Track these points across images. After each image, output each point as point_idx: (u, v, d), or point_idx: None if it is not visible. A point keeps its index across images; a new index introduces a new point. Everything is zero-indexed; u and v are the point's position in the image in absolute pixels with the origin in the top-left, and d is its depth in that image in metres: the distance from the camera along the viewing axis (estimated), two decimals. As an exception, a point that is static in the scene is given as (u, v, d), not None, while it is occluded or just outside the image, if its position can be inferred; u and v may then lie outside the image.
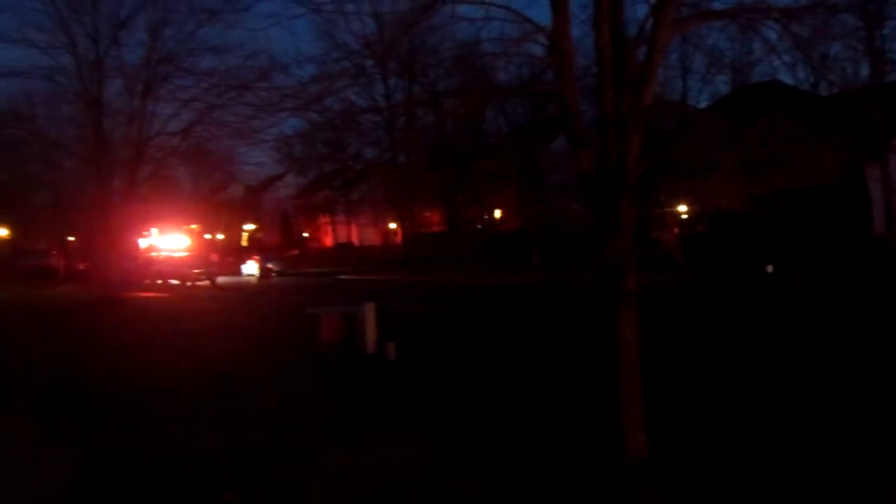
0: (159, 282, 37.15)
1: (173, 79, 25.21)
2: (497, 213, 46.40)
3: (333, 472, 5.94)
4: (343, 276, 39.52)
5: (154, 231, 44.73)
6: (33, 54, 25.06)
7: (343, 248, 61.65)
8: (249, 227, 70.46)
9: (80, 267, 47.47)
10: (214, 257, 51.22)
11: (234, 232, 68.37)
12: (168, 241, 44.32)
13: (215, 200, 58.95)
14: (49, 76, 24.99)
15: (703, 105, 37.33)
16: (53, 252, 51.87)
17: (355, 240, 64.83)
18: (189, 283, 37.43)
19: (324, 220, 64.60)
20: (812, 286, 19.46)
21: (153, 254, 43.28)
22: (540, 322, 15.26)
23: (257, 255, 49.52)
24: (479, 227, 47.05)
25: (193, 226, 55.25)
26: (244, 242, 68.62)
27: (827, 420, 6.61)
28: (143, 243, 44.73)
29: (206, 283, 38.28)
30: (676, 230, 32.94)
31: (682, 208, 35.24)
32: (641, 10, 5.63)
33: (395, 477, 5.77)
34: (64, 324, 18.52)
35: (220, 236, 66.11)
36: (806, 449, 5.78)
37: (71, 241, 51.59)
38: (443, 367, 10.46)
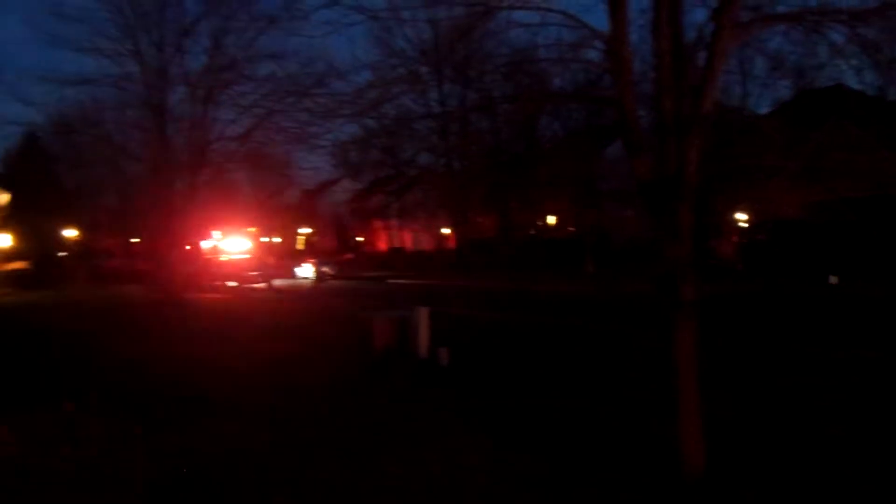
0: (218, 283, 37.95)
1: (234, 85, 25.77)
2: (550, 220, 46.04)
3: (386, 476, 5.97)
4: (396, 281, 39.77)
5: (217, 234, 45.75)
6: (103, 63, 25.86)
7: (396, 253, 62.04)
8: (305, 230, 71.47)
9: (143, 268, 48.86)
10: (271, 260, 52.10)
11: (291, 235, 69.44)
12: (230, 244, 45.23)
13: (272, 204, 60.00)
14: (117, 83, 25.82)
15: (764, 110, 36.35)
16: (117, 253, 53.54)
17: (408, 244, 65.19)
18: (246, 286, 38.13)
19: (378, 224, 65.16)
20: (878, 298, 18.76)
21: (213, 256, 44.22)
22: (594, 330, 15.08)
23: (313, 258, 50.16)
24: (532, 233, 46.75)
25: (251, 229, 56.28)
26: (300, 246, 69.61)
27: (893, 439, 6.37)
28: (206, 245, 45.80)
29: (263, 285, 38.94)
30: (735, 238, 32.17)
31: (742, 216, 34.41)
32: (701, 15, 5.53)
33: (447, 484, 5.77)
34: (128, 324, 19.08)
35: (277, 239, 67.24)
36: (872, 469, 5.58)
37: (134, 243, 53.17)
38: (495, 373, 10.43)
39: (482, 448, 6.64)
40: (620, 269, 30.65)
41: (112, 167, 39.58)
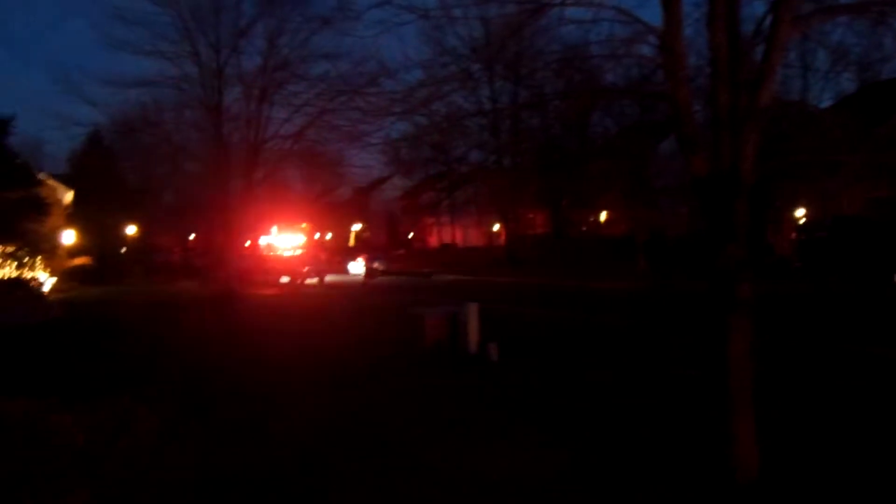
0: (271, 279, 38.62)
1: (287, 85, 26.27)
2: (602, 217, 45.57)
3: (438, 470, 6.00)
4: (446, 277, 39.87)
5: (273, 230, 46.55)
6: (163, 65, 26.66)
7: (446, 249, 62.24)
8: (357, 227, 72.21)
9: (198, 264, 50.12)
10: (323, 256, 52.80)
11: (343, 232, 70.24)
12: (285, 240, 45.96)
13: (325, 201, 60.76)
14: (176, 84, 26.55)
15: (825, 104, 35.27)
16: (174, 250, 54.99)
17: (459, 241, 65.31)
18: (299, 281, 38.70)
19: (428, 221, 65.42)
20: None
21: (268, 252, 45.02)
22: (645, 328, 14.88)
23: (364, 254, 50.65)
24: (583, 230, 46.35)
25: (303, 225, 57.06)
26: (351, 242, 70.35)
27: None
28: (262, 242, 46.66)
29: (315, 281, 39.48)
30: (794, 235, 31.32)
31: (801, 212, 33.49)
32: (759, 8, 5.40)
33: (498, 478, 5.78)
34: (184, 319, 19.56)
35: (329, 236, 68.10)
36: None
37: (191, 240, 54.53)
38: (544, 370, 10.39)
39: (529, 443, 6.63)
40: (674, 266, 30.14)
41: (171, 166, 40.68)
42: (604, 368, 10.42)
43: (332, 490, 5.68)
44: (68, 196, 41.03)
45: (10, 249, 23.10)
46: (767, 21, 4.97)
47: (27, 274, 23.71)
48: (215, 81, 26.05)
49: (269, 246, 46.66)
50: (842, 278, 23.04)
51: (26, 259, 23.70)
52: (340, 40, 24.96)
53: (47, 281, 25.99)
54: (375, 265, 46.44)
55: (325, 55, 25.33)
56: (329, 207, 61.77)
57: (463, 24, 31.24)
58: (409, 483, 5.77)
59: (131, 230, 44.13)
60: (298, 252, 44.13)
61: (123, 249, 44.27)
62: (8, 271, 23.11)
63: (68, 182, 41.38)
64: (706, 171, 5.08)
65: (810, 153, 6.06)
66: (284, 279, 39.06)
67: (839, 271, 24.17)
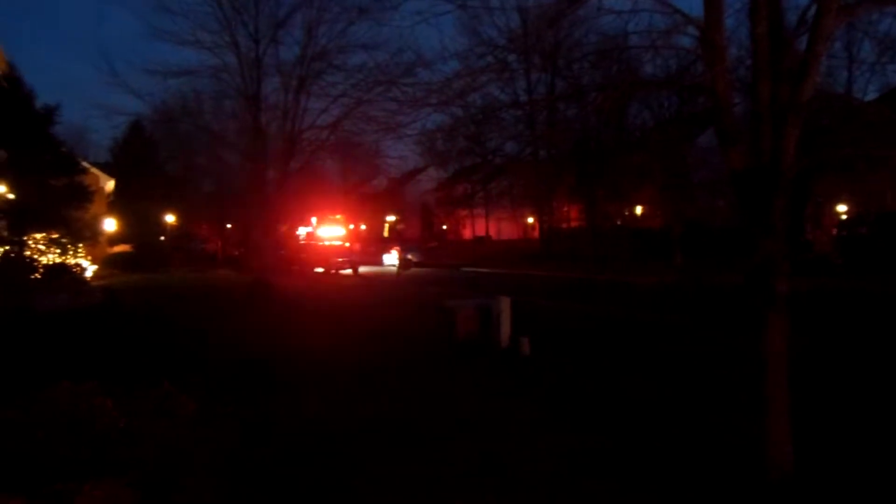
0: (306, 269, 39.01)
1: (325, 75, 26.40)
2: (638, 210, 45.12)
3: (466, 461, 6.03)
4: (479, 270, 39.86)
5: (313, 220, 47.05)
6: (203, 55, 27.10)
7: (480, 242, 62.20)
8: (391, 218, 72.53)
9: (235, 253, 50.85)
10: (357, 247, 53.17)
11: (377, 223, 70.61)
12: (324, 231, 46.38)
13: (360, 191, 61.14)
14: (215, 74, 26.87)
15: (871, 97, 34.39)
16: (211, 238, 55.81)
17: (493, 233, 65.22)
18: (333, 271, 39.03)
19: (462, 213, 65.38)
20: None
21: (306, 242, 45.52)
22: (678, 323, 14.72)
23: (398, 245, 50.88)
24: (619, 223, 45.94)
25: (338, 216, 57.47)
26: (385, 233, 70.72)
27: None
28: (301, 232, 47.20)
29: (349, 271, 39.79)
30: (834, 231, 30.67)
31: (842, 207, 32.77)
32: (803, -2, 5.28)
33: (527, 471, 5.78)
34: (220, 306, 19.90)
35: (363, 227, 68.50)
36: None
37: (228, 229, 55.28)
38: (576, 364, 10.35)
39: (559, 439, 6.62)
40: (710, 260, 29.75)
41: (210, 155, 41.27)
42: (636, 364, 10.35)
43: (356, 476, 5.75)
44: (110, 184, 41.84)
45: (54, 236, 23.64)
46: (812, 11, 4.87)
47: (70, 260, 24.25)
48: (254, 71, 26.30)
49: (308, 235, 47.15)
50: (884, 276, 22.49)
51: (69, 246, 24.24)
52: (377, 30, 25.01)
53: (89, 268, 26.57)
54: (409, 257, 46.62)
55: (362, 45, 25.43)
56: (364, 198, 62.16)
57: (500, 13, 31.09)
58: (431, 469, 5.81)
59: (170, 219, 44.85)
60: (334, 242, 44.50)
61: (162, 238, 45.01)
62: (52, 257, 23.67)
63: (110, 170, 42.19)
64: (745, 165, 5.00)
65: (853, 147, 5.92)
66: (319, 269, 39.42)
67: (881, 268, 23.61)
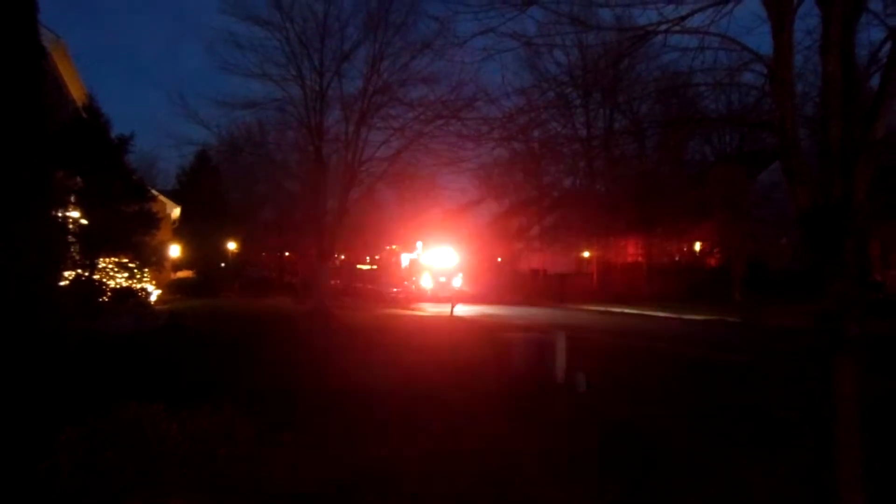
0: (360, 299, 39.42)
1: (386, 107, 26.89)
2: (697, 246, 44.28)
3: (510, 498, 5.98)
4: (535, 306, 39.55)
5: (419, 246, 47.39)
6: (269, 87, 27.81)
7: (536, 275, 61.74)
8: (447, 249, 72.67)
9: (291, 280, 51.78)
10: (410, 276, 53.44)
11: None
12: (436, 259, 46.42)
13: (416, 222, 61.61)
14: (280, 106, 27.63)
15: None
16: (269, 266, 56.98)
17: (548, 267, 64.70)
18: (388, 300, 39.32)
19: (517, 245, 65.10)
20: None
21: (413, 269, 45.88)
22: (740, 363, 14.34)
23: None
24: (677, 259, 45.16)
25: (393, 246, 57.95)
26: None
27: None
28: (405, 260, 47.53)
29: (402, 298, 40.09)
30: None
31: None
32: (876, 35, 5.21)
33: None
34: (278, 332, 20.22)
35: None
36: None
37: (285, 256, 56.33)
38: (632, 403, 10.16)
39: (613, 483, 6.50)
40: (771, 299, 28.92)
41: (271, 184, 42.30)
42: (693, 404, 10.11)
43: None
44: (176, 212, 43.21)
45: (123, 260, 24.49)
46: (885, 49, 4.79)
47: (136, 285, 25.06)
48: (317, 104, 26.96)
49: (421, 264, 47.23)
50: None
51: (136, 270, 25.08)
52: (439, 64, 25.29)
53: (154, 292, 27.39)
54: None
55: (423, 79, 25.84)
56: (420, 228, 62.59)
57: (561, 49, 31.25)
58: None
59: (231, 245, 45.99)
60: (398, 271, 44.78)
61: (223, 264, 46.14)
62: (120, 281, 24.50)
63: (176, 197, 43.61)
64: (814, 204, 4.90)
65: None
66: (378, 298, 39.68)
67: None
